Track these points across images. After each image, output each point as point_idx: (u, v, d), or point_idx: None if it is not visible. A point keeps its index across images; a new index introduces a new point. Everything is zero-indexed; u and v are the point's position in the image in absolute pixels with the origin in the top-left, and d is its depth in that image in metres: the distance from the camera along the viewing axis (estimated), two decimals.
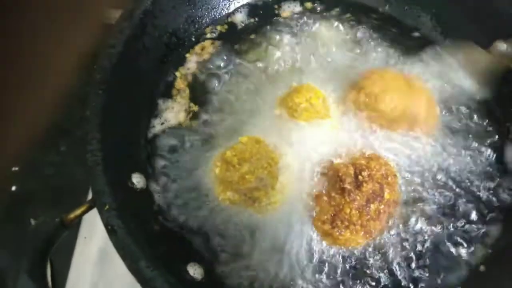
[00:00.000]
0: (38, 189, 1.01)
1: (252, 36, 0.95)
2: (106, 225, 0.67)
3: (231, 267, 0.73)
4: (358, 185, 0.71)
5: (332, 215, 0.71)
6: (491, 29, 0.86)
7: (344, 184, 0.71)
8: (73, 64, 0.26)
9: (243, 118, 0.86)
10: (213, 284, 0.72)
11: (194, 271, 0.72)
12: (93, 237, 0.98)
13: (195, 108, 0.88)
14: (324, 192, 0.74)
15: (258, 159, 0.74)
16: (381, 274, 0.73)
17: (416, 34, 0.96)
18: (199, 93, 0.90)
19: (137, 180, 0.75)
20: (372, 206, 0.71)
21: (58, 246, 0.94)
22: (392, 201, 0.74)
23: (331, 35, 0.96)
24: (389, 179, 0.74)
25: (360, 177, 0.71)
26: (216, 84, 0.91)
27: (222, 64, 0.93)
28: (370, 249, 0.74)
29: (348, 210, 0.70)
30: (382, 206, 0.72)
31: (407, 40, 0.94)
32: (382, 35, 0.94)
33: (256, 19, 0.98)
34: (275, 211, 0.74)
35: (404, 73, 0.83)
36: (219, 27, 0.97)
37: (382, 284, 0.73)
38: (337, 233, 0.71)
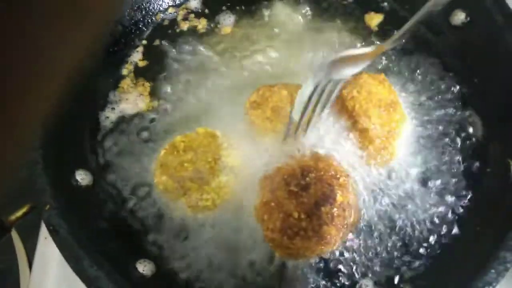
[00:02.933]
0: (12, 189, 0.99)
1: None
2: (47, 225, 0.66)
3: (181, 263, 0.72)
4: (305, 187, 0.67)
5: (281, 221, 0.67)
6: None
7: (290, 186, 0.67)
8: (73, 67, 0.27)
9: (205, 112, 0.83)
10: (163, 280, 0.71)
11: (144, 267, 0.71)
12: None
13: (150, 98, 0.85)
14: (271, 198, 0.69)
15: (204, 152, 0.72)
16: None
17: None
18: (155, 82, 0.87)
19: (82, 177, 0.73)
20: (323, 209, 0.67)
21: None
22: (346, 204, 0.69)
23: None
24: (341, 180, 0.69)
25: (307, 178, 0.68)
26: (176, 73, 0.88)
27: (181, 52, 0.90)
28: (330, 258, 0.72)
29: (296, 215, 0.66)
30: (335, 209, 0.67)
31: None
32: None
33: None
34: (218, 211, 0.72)
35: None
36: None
37: None
38: (288, 241, 0.67)
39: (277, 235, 0.67)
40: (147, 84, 0.86)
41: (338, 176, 0.70)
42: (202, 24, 0.93)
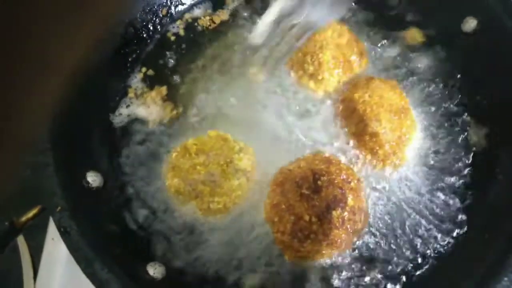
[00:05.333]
0: (15, 191, 0.99)
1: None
2: (58, 227, 0.65)
3: (191, 266, 0.72)
4: (317, 190, 0.68)
5: (292, 224, 0.67)
6: None
7: (301, 189, 0.68)
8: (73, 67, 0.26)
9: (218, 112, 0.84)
10: (174, 284, 0.71)
11: (154, 270, 0.71)
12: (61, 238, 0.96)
13: (161, 101, 0.85)
14: (282, 200, 0.70)
15: (216, 155, 0.72)
16: None
17: None
18: (167, 85, 0.87)
19: (93, 179, 0.73)
20: (334, 213, 0.67)
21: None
22: (357, 208, 0.69)
23: None
24: (352, 184, 0.70)
25: (319, 182, 0.68)
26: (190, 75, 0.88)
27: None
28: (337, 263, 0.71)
29: (307, 218, 0.67)
30: (346, 214, 0.68)
31: None
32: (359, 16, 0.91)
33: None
34: (230, 214, 0.72)
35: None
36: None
37: None
38: (298, 244, 0.67)
39: (287, 238, 0.68)
40: (159, 87, 0.86)
41: (349, 180, 0.70)
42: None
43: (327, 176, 0.69)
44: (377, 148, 0.74)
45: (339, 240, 0.68)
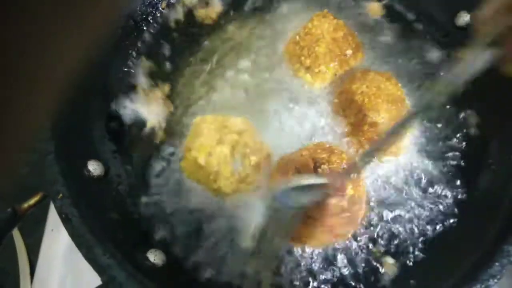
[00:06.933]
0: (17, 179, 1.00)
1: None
2: (59, 213, 0.66)
3: (192, 252, 0.73)
4: None
5: None
6: None
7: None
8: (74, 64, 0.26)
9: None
10: (174, 270, 0.72)
11: (155, 257, 0.71)
12: (60, 229, 0.96)
13: (161, 88, 0.86)
14: None
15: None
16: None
17: None
18: (166, 75, 0.89)
19: (94, 167, 0.74)
20: (334, 201, 0.68)
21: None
22: (357, 198, 0.70)
23: None
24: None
25: (319, 170, 0.69)
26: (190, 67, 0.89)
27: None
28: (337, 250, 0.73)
29: None
30: (346, 202, 0.69)
31: None
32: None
33: None
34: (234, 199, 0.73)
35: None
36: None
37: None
38: (299, 232, 0.68)
39: None
40: (162, 85, 0.87)
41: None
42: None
43: (327, 165, 0.70)
44: (376, 137, 0.75)
45: (339, 229, 0.69)
